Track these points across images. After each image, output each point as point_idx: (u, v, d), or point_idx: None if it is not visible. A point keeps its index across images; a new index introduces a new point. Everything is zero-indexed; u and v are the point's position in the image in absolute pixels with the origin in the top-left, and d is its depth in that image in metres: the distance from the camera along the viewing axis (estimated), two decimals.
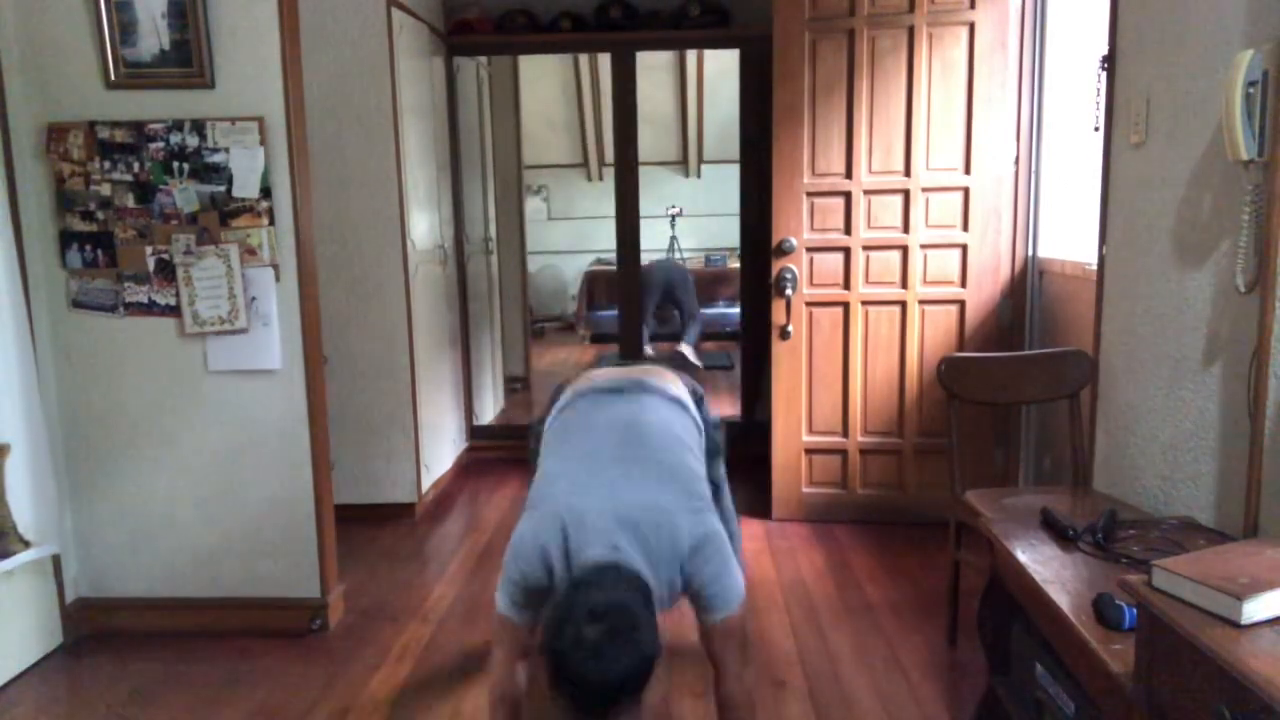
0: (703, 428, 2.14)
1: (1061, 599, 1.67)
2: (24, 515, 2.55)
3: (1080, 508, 2.25)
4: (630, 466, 1.86)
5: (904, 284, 3.54)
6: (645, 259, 5.08)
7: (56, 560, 2.74)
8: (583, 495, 1.79)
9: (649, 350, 6.58)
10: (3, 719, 2.42)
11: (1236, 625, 1.24)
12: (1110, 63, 2.48)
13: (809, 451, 3.69)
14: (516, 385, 6.02)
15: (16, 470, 2.54)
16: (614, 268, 4.98)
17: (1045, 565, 1.83)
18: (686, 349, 6.93)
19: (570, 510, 1.77)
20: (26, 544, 2.56)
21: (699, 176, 9.41)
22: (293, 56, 2.66)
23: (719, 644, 1.86)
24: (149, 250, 2.68)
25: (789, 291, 3.56)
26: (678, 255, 8.29)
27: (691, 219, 8.76)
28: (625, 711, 1.60)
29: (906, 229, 3.51)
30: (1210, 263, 2.02)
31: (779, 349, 3.63)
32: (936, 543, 3.26)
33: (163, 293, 2.70)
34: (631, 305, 4.81)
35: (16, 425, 2.54)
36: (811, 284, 3.58)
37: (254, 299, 2.69)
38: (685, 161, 9.38)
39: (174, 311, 2.70)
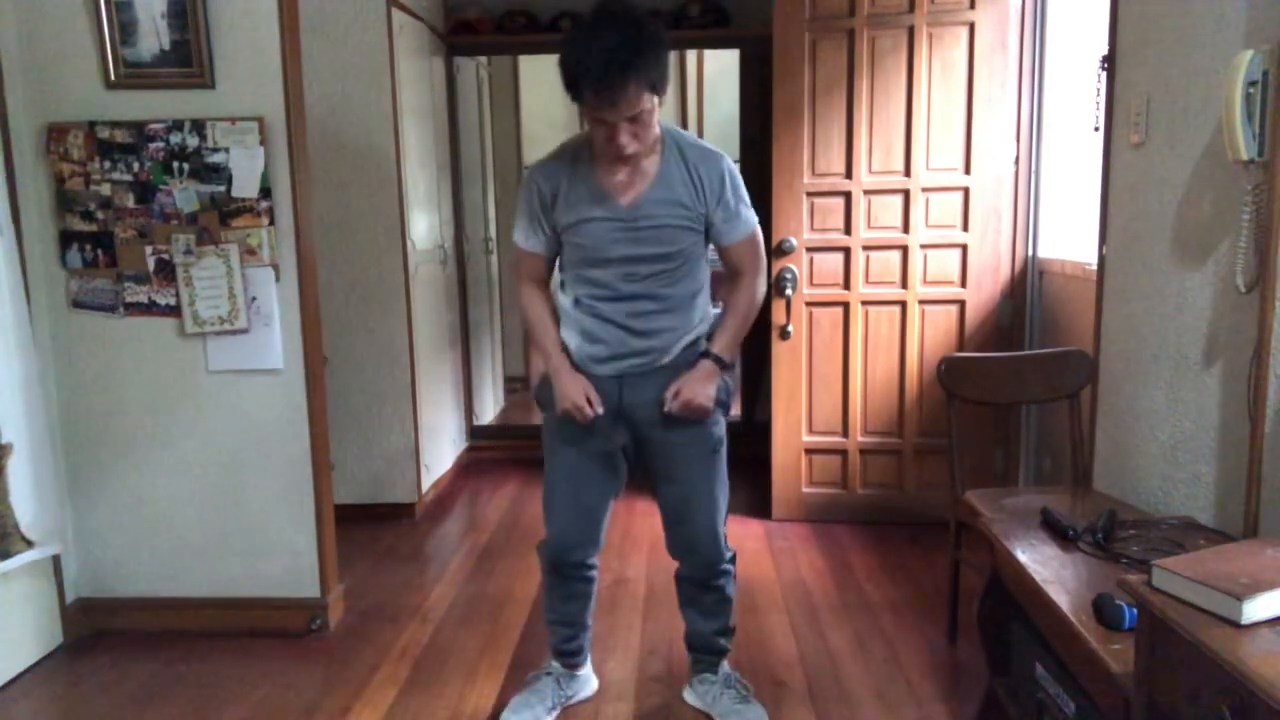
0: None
1: (1061, 599, 1.67)
2: (26, 515, 2.56)
3: (1080, 508, 2.25)
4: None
5: (904, 284, 3.54)
6: None
7: (56, 560, 2.74)
8: None
9: None
10: (2, 719, 2.42)
11: (1236, 625, 1.24)
12: (1110, 63, 2.48)
13: (809, 451, 3.69)
14: (516, 385, 6.02)
15: (19, 470, 2.54)
16: None
17: (1045, 565, 1.83)
18: None
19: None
20: (29, 544, 2.56)
21: None
22: (293, 56, 2.66)
23: (739, 255, 2.12)
24: (149, 250, 2.68)
25: (789, 291, 3.56)
26: None
27: None
28: (630, 88, 1.81)
29: (906, 229, 3.51)
30: (1210, 263, 2.02)
31: (779, 349, 3.63)
32: (936, 543, 3.26)
33: (163, 293, 2.70)
34: None
35: (18, 425, 2.54)
36: (811, 284, 3.58)
37: (254, 299, 2.69)
38: None
39: (174, 311, 2.70)
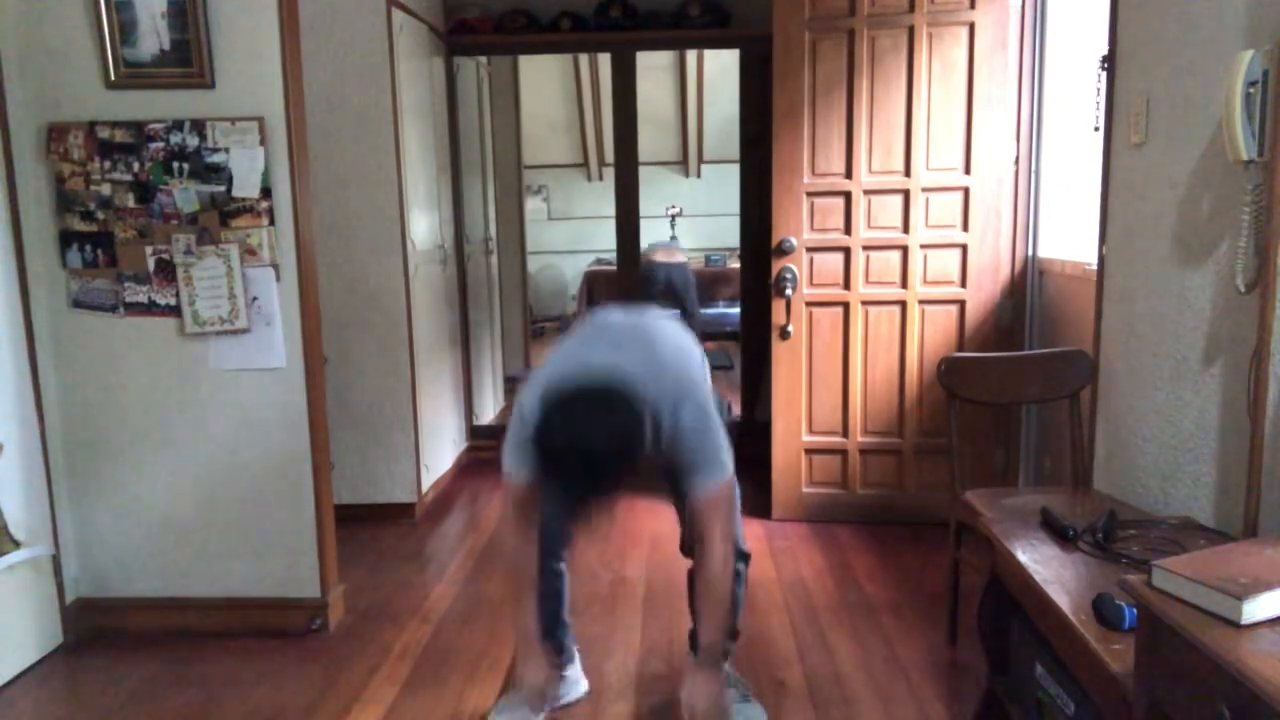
0: (707, 370, 2.18)
1: (1061, 599, 1.67)
2: (15, 515, 2.56)
3: (1080, 508, 2.25)
4: (632, 350, 1.96)
5: (904, 284, 3.54)
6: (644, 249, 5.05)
7: (56, 560, 2.74)
8: (581, 363, 1.89)
9: None
10: (2, 719, 2.42)
11: (1236, 625, 1.24)
12: (1110, 63, 2.48)
13: (809, 451, 3.69)
14: (516, 385, 6.02)
15: (9, 470, 2.54)
16: (614, 268, 4.99)
17: (1045, 565, 1.83)
18: None
19: (566, 374, 1.86)
20: (18, 544, 2.56)
21: (699, 176, 9.41)
22: (293, 56, 2.66)
23: (703, 518, 1.96)
24: (149, 250, 2.68)
25: (789, 291, 3.56)
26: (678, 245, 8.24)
27: (691, 219, 8.77)
28: (606, 487, 1.78)
29: (906, 229, 3.50)
30: (1210, 263, 2.02)
31: (779, 349, 3.63)
32: (936, 543, 3.26)
33: (163, 293, 2.70)
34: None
35: (10, 426, 2.54)
36: (811, 284, 3.58)
37: (255, 299, 2.69)
38: (685, 161, 9.38)
39: (174, 311, 2.70)
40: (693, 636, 2.35)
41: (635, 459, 1.75)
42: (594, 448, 1.71)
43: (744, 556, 2.25)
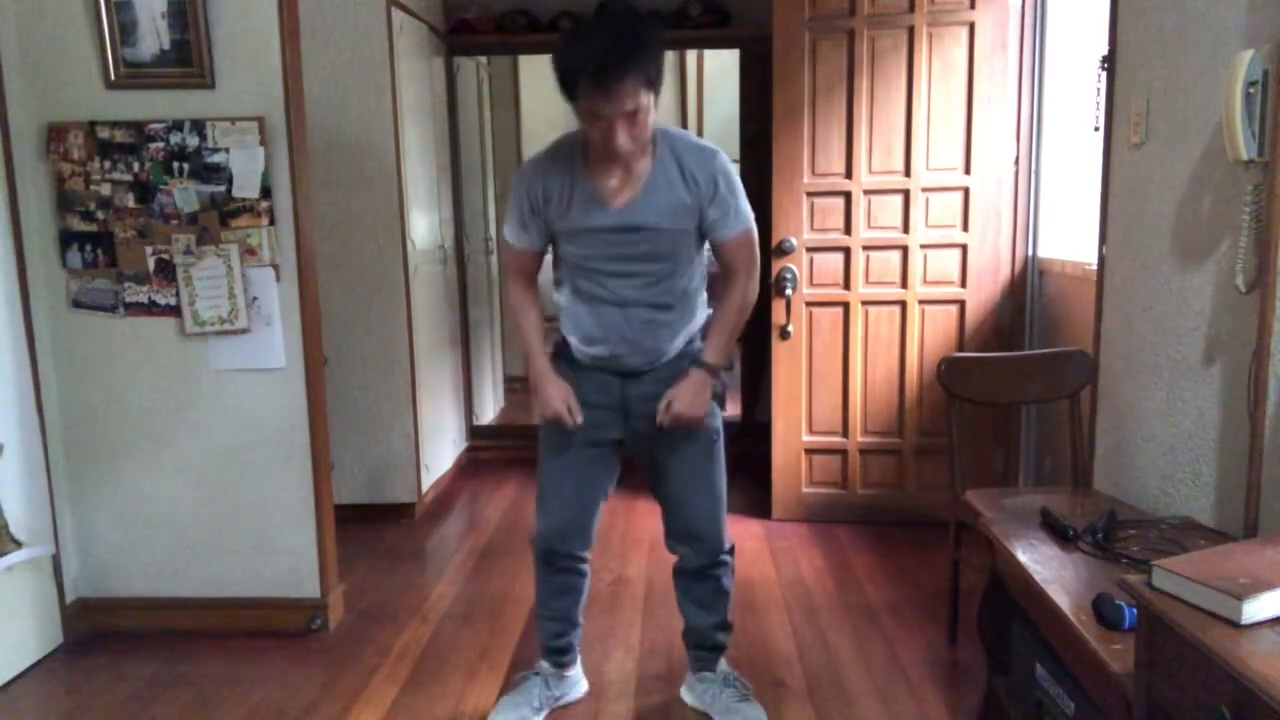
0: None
1: (1061, 599, 1.67)
2: (16, 515, 2.56)
3: (1080, 508, 2.25)
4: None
5: (904, 284, 3.54)
6: None
7: (56, 560, 2.74)
8: None
9: None
10: (2, 719, 2.42)
11: (1236, 625, 1.24)
12: (1110, 63, 2.48)
13: (809, 451, 3.69)
14: (516, 385, 6.02)
15: (10, 470, 2.54)
16: None
17: (1045, 565, 1.83)
18: None
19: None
20: (19, 544, 2.56)
21: None
22: (293, 56, 2.66)
23: (731, 256, 2.10)
24: (149, 250, 2.68)
25: (789, 291, 3.56)
26: None
27: None
28: (627, 80, 1.81)
29: (906, 229, 3.51)
30: (1210, 263, 2.02)
31: (779, 349, 3.63)
32: (936, 543, 3.26)
33: (163, 293, 2.70)
34: None
35: (10, 425, 2.54)
36: (811, 284, 3.58)
37: (255, 299, 2.69)
38: None
39: (174, 311, 2.70)
40: (686, 637, 2.35)
41: (651, 66, 1.86)
42: (603, 43, 1.81)
43: (728, 550, 2.26)
